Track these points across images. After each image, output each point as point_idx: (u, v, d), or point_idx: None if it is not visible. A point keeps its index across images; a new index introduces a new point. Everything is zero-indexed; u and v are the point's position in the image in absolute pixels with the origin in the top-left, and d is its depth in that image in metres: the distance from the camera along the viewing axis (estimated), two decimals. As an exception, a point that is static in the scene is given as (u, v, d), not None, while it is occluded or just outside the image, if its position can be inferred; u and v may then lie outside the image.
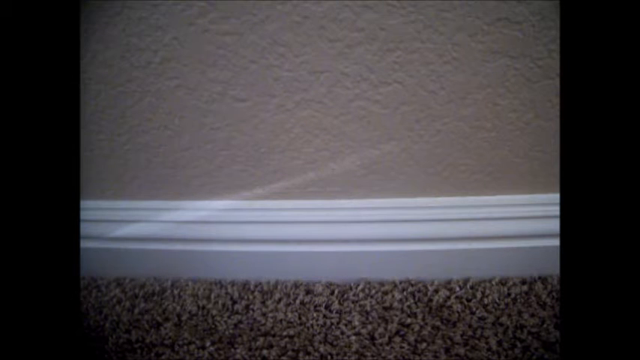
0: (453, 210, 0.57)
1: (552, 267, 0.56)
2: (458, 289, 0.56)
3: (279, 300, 0.56)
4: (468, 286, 0.56)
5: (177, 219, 0.60)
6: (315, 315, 0.54)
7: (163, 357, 0.50)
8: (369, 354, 0.49)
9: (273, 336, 0.52)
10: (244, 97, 0.52)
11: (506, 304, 0.54)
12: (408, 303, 0.54)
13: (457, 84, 0.50)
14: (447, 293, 0.55)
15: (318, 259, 0.58)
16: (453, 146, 0.54)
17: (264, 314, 0.55)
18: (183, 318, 0.55)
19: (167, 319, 0.55)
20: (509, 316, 0.52)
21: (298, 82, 0.51)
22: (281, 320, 0.54)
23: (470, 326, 0.51)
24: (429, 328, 0.51)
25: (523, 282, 0.56)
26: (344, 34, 0.48)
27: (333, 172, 0.56)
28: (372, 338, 0.51)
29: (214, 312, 0.55)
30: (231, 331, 0.53)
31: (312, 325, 0.53)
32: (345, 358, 0.49)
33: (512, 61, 0.49)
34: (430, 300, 0.55)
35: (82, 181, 0.60)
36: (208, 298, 0.57)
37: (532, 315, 0.52)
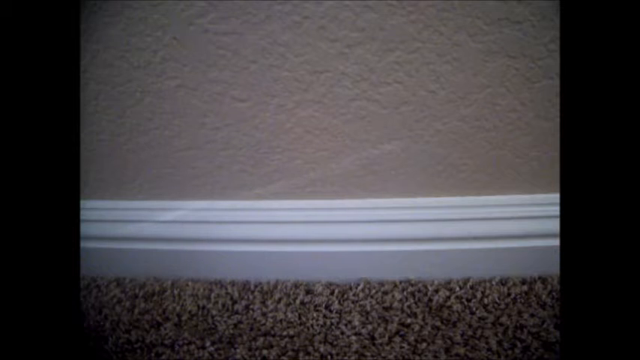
0: (453, 210, 0.57)
1: (552, 267, 0.56)
2: (458, 289, 0.56)
3: (279, 300, 0.56)
4: (468, 286, 0.56)
5: (177, 219, 0.60)
6: (315, 315, 0.54)
7: (163, 357, 0.50)
8: (369, 354, 0.49)
9: (273, 336, 0.52)
10: (244, 97, 0.52)
11: (506, 304, 0.54)
12: (408, 303, 0.54)
13: (457, 84, 0.50)
14: (447, 293, 0.55)
15: (318, 259, 0.58)
16: (453, 146, 0.54)
17: (264, 314, 0.55)
18: (183, 318, 0.55)
19: (167, 319, 0.55)
20: (509, 316, 0.52)
21: (298, 82, 0.51)
22: (281, 320, 0.54)
23: (470, 326, 0.51)
24: (429, 328, 0.51)
25: (523, 282, 0.56)
26: (344, 34, 0.48)
27: (333, 172, 0.56)
28: (372, 338, 0.51)
29: (214, 312, 0.55)
30: (231, 331, 0.53)
31: (312, 325, 0.53)
32: (345, 358, 0.49)
33: (512, 61, 0.49)
34: (430, 300, 0.55)
35: (82, 181, 0.60)
36: (208, 298, 0.57)
37: (532, 315, 0.52)
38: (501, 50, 0.48)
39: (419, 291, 0.56)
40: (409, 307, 0.54)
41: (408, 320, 0.52)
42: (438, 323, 0.52)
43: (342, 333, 0.51)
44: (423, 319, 0.52)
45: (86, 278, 0.62)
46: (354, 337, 0.51)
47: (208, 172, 0.58)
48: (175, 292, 0.58)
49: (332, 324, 0.53)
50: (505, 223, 0.56)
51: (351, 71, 0.50)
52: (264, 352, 0.50)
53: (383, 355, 0.48)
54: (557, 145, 0.53)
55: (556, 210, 0.55)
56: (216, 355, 0.50)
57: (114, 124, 0.55)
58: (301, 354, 0.49)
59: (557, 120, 0.52)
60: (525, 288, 0.55)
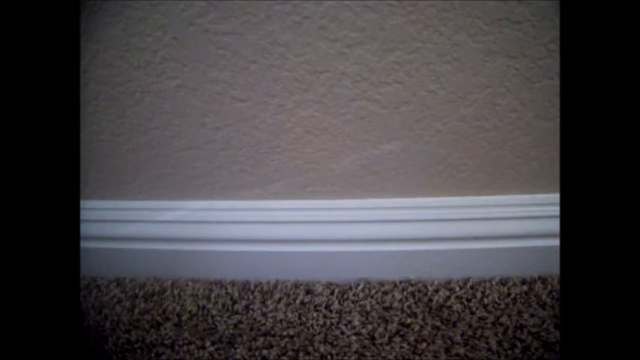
0: (453, 210, 0.57)
1: (552, 267, 0.56)
2: (458, 289, 0.56)
3: (279, 300, 0.56)
4: (468, 286, 0.56)
5: (177, 219, 0.60)
6: (315, 315, 0.54)
7: (163, 357, 0.50)
8: (369, 354, 0.49)
9: (273, 336, 0.52)
10: (244, 97, 0.52)
11: (506, 304, 0.54)
12: (408, 303, 0.54)
13: (457, 84, 0.50)
14: (447, 293, 0.55)
15: (318, 259, 0.58)
16: (453, 146, 0.54)
17: (264, 314, 0.55)
18: (183, 318, 0.55)
19: (167, 319, 0.55)
20: (509, 316, 0.52)
21: (298, 82, 0.51)
22: (281, 320, 0.54)
23: (470, 326, 0.51)
24: (429, 328, 0.51)
25: (523, 282, 0.56)
26: (344, 34, 0.48)
27: (333, 172, 0.56)
28: (372, 338, 0.51)
29: (214, 312, 0.55)
30: (231, 331, 0.53)
31: (312, 325, 0.53)
32: (345, 358, 0.49)
33: (512, 61, 0.49)
34: (430, 300, 0.55)
35: (82, 181, 0.60)
36: (208, 298, 0.57)
37: (532, 315, 0.52)
38: (501, 50, 0.48)
39: (419, 291, 0.56)
40: (409, 307, 0.54)
41: (408, 320, 0.52)
42: (438, 323, 0.52)
43: (342, 333, 0.51)
44: (423, 319, 0.52)
45: (86, 278, 0.62)
46: (354, 337, 0.51)
47: (208, 172, 0.58)
48: (175, 292, 0.58)
49: (332, 324, 0.53)
50: (505, 223, 0.56)
51: (351, 71, 0.50)
52: (264, 352, 0.50)
53: (383, 355, 0.48)
54: (557, 145, 0.53)
55: (556, 210, 0.55)
56: (216, 355, 0.50)
57: (114, 124, 0.55)
58: (301, 354, 0.49)
59: (557, 120, 0.52)
60: (525, 288, 0.55)
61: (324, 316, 0.54)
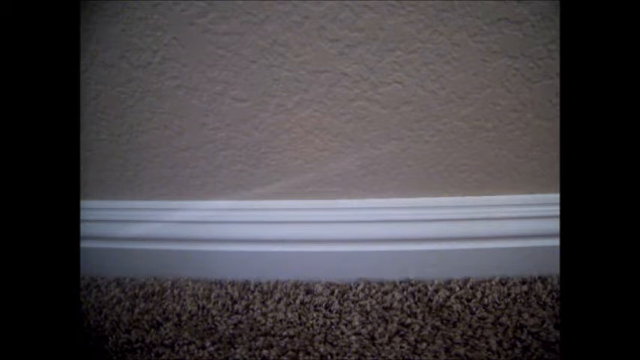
0: (453, 210, 0.57)
1: (552, 267, 0.56)
2: (458, 289, 0.56)
3: (279, 300, 0.56)
4: (468, 286, 0.56)
5: (177, 219, 0.60)
6: (315, 315, 0.54)
7: (163, 357, 0.50)
8: (369, 354, 0.49)
9: (273, 336, 0.52)
10: (244, 97, 0.52)
11: (506, 304, 0.54)
12: (408, 303, 0.54)
13: (457, 84, 0.50)
14: (447, 293, 0.55)
15: (318, 259, 0.58)
16: (453, 146, 0.54)
17: (264, 314, 0.55)
18: (183, 318, 0.55)
19: (167, 319, 0.55)
20: (509, 316, 0.52)
21: (298, 82, 0.51)
22: (281, 320, 0.54)
23: (470, 326, 0.51)
24: (429, 328, 0.51)
25: (523, 282, 0.56)
26: (344, 34, 0.48)
27: (333, 172, 0.56)
28: (372, 338, 0.51)
29: (214, 312, 0.55)
30: (231, 331, 0.53)
31: (312, 325, 0.53)
32: (345, 358, 0.49)
33: (512, 61, 0.49)
34: (430, 300, 0.55)
35: (82, 181, 0.60)
36: (208, 298, 0.57)
37: (532, 315, 0.52)
38: (501, 50, 0.48)
39: (419, 291, 0.56)
40: (409, 307, 0.54)
41: (408, 320, 0.52)
42: (438, 323, 0.52)
43: (342, 333, 0.51)
44: (423, 319, 0.52)
45: (86, 278, 0.62)
46: (354, 337, 0.51)
47: (208, 172, 0.58)
48: (175, 292, 0.58)
49: (332, 324, 0.53)
50: (505, 223, 0.56)
51: (351, 71, 0.50)
52: (264, 352, 0.50)
53: (383, 355, 0.48)
54: (557, 145, 0.53)
55: (556, 210, 0.55)
56: (216, 355, 0.50)
57: (114, 124, 0.55)
58: (301, 354, 0.49)
59: (557, 120, 0.52)
60: (525, 288, 0.55)
61: (324, 316, 0.54)
